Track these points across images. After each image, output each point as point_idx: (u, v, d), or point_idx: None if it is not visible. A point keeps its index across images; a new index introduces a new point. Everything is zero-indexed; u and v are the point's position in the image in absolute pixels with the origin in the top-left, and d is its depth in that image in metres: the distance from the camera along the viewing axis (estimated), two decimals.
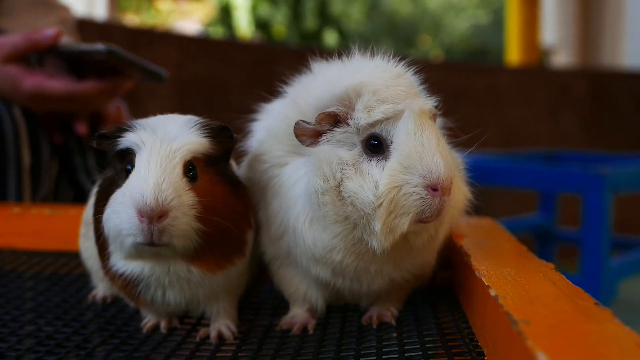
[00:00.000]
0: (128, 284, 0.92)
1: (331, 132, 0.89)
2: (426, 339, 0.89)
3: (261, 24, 13.45)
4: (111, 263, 0.92)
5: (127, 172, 0.89)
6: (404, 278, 0.96)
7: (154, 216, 0.83)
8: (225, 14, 13.06)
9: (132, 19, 11.30)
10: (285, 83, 1.08)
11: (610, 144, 5.98)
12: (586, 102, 6.17)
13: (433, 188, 0.83)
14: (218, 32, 12.25)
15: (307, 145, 0.91)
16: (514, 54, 7.21)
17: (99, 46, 1.47)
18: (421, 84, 0.95)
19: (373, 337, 0.93)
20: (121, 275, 0.92)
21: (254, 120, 1.15)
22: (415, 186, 0.83)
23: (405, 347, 0.87)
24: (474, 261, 0.93)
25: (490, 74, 5.83)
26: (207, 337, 0.96)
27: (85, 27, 3.27)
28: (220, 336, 0.96)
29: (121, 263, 0.91)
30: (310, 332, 0.97)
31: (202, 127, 0.92)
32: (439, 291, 1.09)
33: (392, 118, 0.87)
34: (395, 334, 0.93)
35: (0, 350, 0.88)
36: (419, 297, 1.07)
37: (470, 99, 5.27)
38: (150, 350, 0.91)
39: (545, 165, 3.74)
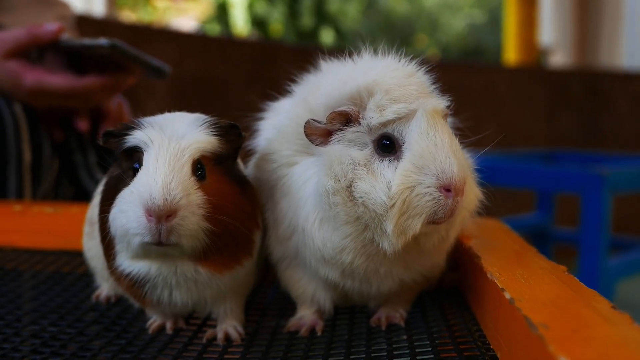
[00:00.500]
0: (134, 284, 0.91)
1: (342, 131, 0.88)
2: (437, 341, 0.87)
3: (258, 22, 13.41)
4: (117, 263, 0.91)
5: (135, 171, 0.87)
6: (414, 279, 0.95)
7: (162, 215, 0.82)
8: (221, 12, 13.02)
9: (128, 15, 11.25)
10: (289, 81, 1.06)
11: (607, 144, 5.98)
12: (583, 102, 6.17)
13: (446, 189, 0.82)
14: (215, 29, 12.21)
15: (317, 145, 0.90)
16: (511, 53, 7.21)
17: (102, 41, 1.45)
18: (433, 83, 0.93)
19: (383, 339, 0.92)
20: (127, 275, 0.90)
21: (260, 118, 1.14)
22: (429, 187, 0.82)
23: (417, 350, 0.85)
24: (485, 263, 0.92)
25: (487, 73, 5.82)
26: (214, 338, 0.94)
27: (84, 23, 3.25)
28: (227, 337, 0.94)
29: (127, 263, 0.90)
30: (319, 333, 0.96)
31: (211, 125, 0.91)
32: (447, 293, 1.08)
33: (405, 118, 0.85)
34: (405, 336, 0.91)
35: (4, 351, 0.87)
36: (426, 298, 1.06)
37: (467, 98, 5.26)
38: (157, 352, 0.90)
39: (544, 165, 3.73)
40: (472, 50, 15.83)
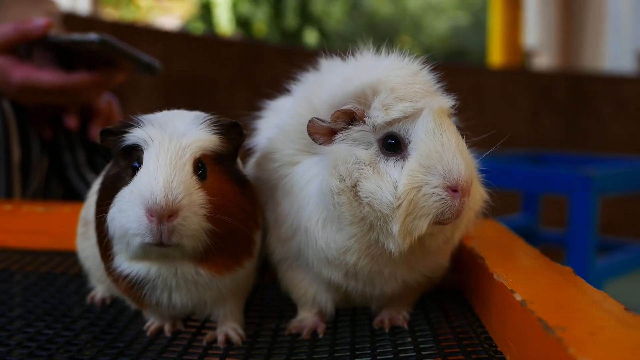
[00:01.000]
0: (133, 286, 0.88)
1: (347, 130, 0.86)
2: (443, 343, 0.86)
3: (242, 22, 13.36)
4: (115, 264, 0.88)
5: (134, 170, 0.85)
6: (418, 281, 0.93)
7: (163, 215, 0.80)
8: (205, 11, 12.95)
9: (111, 14, 11.15)
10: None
11: (590, 146, 6.03)
12: (567, 104, 6.21)
13: (453, 189, 0.81)
14: (198, 29, 12.15)
15: (320, 144, 0.88)
16: (496, 55, 7.25)
17: (92, 36, 1.42)
18: (437, 82, 0.92)
19: (387, 341, 0.90)
20: (126, 277, 0.88)
21: (258, 117, 1.12)
22: (435, 187, 0.81)
23: (423, 352, 0.84)
24: (489, 264, 0.91)
25: (472, 75, 5.84)
26: (214, 341, 0.93)
27: (70, 21, 3.20)
28: (227, 340, 0.92)
29: (126, 264, 0.88)
30: (320, 336, 0.94)
31: (212, 123, 0.89)
32: (448, 294, 1.07)
33: (411, 117, 0.84)
34: (409, 338, 0.90)
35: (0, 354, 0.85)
36: (427, 300, 1.05)
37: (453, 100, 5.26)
38: (156, 355, 0.87)
39: (532, 167, 3.74)
40: (455, 52, 15.89)
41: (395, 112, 0.84)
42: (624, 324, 0.65)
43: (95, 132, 1.68)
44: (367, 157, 0.84)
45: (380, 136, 0.85)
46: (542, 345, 0.64)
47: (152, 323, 0.96)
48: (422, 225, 0.82)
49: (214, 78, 4.38)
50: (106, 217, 0.86)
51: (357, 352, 0.87)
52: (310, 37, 14.07)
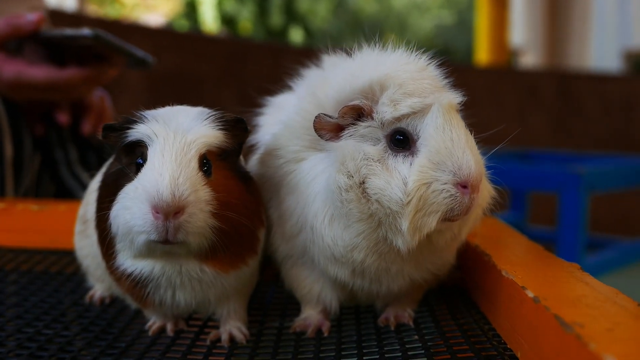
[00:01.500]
0: (136, 284, 0.87)
1: (354, 126, 0.85)
2: (451, 341, 0.85)
3: (227, 20, 13.32)
4: (118, 262, 0.87)
5: (138, 166, 0.84)
6: (424, 278, 0.92)
7: (170, 212, 0.78)
8: (190, 9, 12.89)
9: (95, 11, 11.06)
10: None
11: (576, 144, 6.07)
12: (553, 102, 6.25)
13: (463, 185, 0.80)
14: (183, 26, 12.09)
15: (326, 140, 0.87)
16: (482, 54, 7.27)
17: (85, 31, 1.40)
18: (444, 78, 0.91)
19: (394, 339, 0.89)
20: (129, 275, 0.86)
21: (260, 114, 1.11)
22: (445, 183, 0.80)
23: (432, 350, 0.83)
24: (497, 261, 0.91)
25: (459, 74, 5.83)
26: (218, 340, 0.91)
27: (56, 18, 3.17)
28: (232, 339, 0.91)
29: (129, 262, 0.86)
30: (325, 334, 0.93)
31: (217, 119, 0.88)
32: (451, 291, 1.06)
33: (419, 112, 0.83)
34: (416, 336, 0.89)
35: (0, 355, 0.83)
36: (431, 297, 1.04)
37: None
38: (160, 355, 0.86)
39: (521, 164, 3.76)
40: (440, 51, 15.92)
41: (404, 108, 0.83)
42: (639, 319, 0.65)
43: (87, 128, 1.66)
44: (376, 153, 0.83)
45: (388, 132, 0.84)
46: (559, 342, 0.64)
47: (153, 322, 0.95)
48: (432, 222, 0.81)
49: (201, 75, 4.35)
50: (108, 214, 0.84)
51: (364, 351, 0.86)
52: (296, 35, 14.05)
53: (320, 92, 0.90)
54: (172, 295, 0.88)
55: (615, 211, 5.78)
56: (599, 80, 6.45)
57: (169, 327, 0.94)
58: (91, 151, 1.71)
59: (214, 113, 0.89)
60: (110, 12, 12.00)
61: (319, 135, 0.87)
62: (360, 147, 0.83)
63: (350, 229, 0.85)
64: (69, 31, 1.46)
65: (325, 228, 0.87)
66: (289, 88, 1.10)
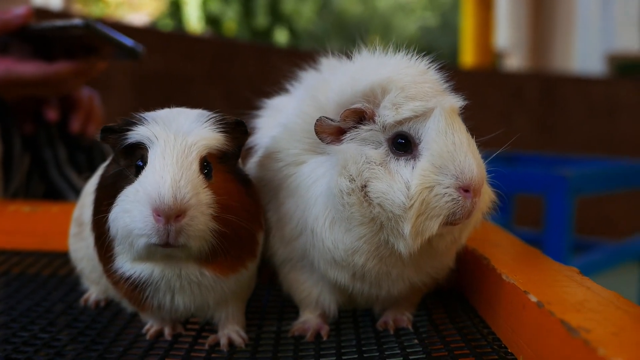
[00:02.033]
0: (135, 288, 0.86)
1: (356, 129, 0.85)
2: (451, 345, 0.85)
3: (211, 20, 13.27)
4: (116, 265, 0.86)
5: (137, 169, 0.83)
6: (423, 281, 0.92)
7: (171, 215, 0.77)
8: (175, 9, 12.83)
9: (80, 10, 10.97)
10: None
11: (560, 146, 6.12)
12: (537, 104, 6.29)
13: (465, 189, 0.80)
14: (168, 26, 12.03)
15: (327, 143, 0.87)
16: (467, 56, 7.31)
17: (76, 21, 1.39)
18: (445, 81, 0.91)
19: (394, 343, 0.89)
20: (128, 278, 0.85)
21: (256, 116, 1.10)
22: (447, 187, 0.80)
23: (433, 354, 0.83)
24: (496, 264, 0.91)
25: (444, 76, 5.86)
26: (217, 344, 0.90)
27: (42, 16, 3.13)
28: (230, 343, 0.90)
29: (128, 265, 0.85)
30: (324, 338, 0.93)
31: (217, 121, 0.87)
32: (448, 294, 1.06)
33: (421, 116, 0.83)
34: (416, 340, 0.89)
35: None
36: (429, 301, 1.04)
37: None
38: None
39: (507, 167, 3.78)
40: (424, 53, 15.99)
41: (406, 111, 0.83)
42: None
43: (75, 126, 1.64)
44: (378, 157, 0.83)
45: (390, 135, 0.84)
46: (566, 347, 0.64)
47: (151, 326, 0.94)
48: (434, 226, 0.81)
49: (187, 75, 4.33)
50: (106, 217, 0.83)
51: (364, 355, 0.86)
52: (281, 36, 14.04)
53: (321, 95, 0.90)
54: (171, 299, 0.87)
55: (600, 213, 5.83)
56: (583, 83, 6.51)
57: (167, 331, 0.93)
58: (79, 151, 1.70)
59: (214, 115, 0.88)
60: (94, 11, 11.91)
61: (319, 139, 0.87)
62: (362, 150, 0.83)
63: (351, 233, 0.84)
64: (60, 22, 1.45)
65: (325, 231, 0.87)
66: (285, 90, 1.09)
